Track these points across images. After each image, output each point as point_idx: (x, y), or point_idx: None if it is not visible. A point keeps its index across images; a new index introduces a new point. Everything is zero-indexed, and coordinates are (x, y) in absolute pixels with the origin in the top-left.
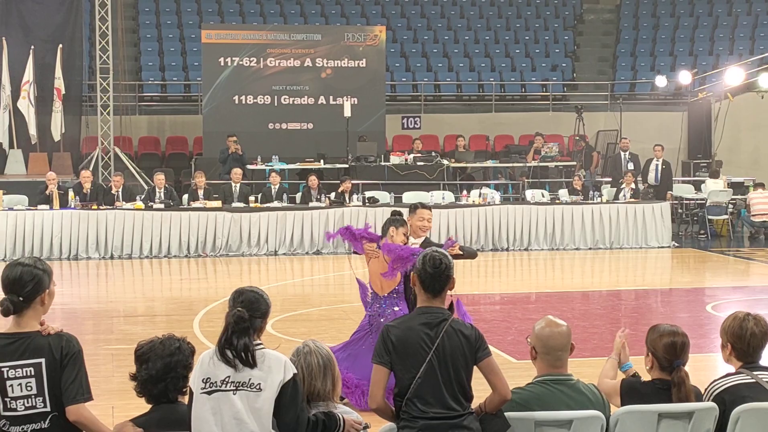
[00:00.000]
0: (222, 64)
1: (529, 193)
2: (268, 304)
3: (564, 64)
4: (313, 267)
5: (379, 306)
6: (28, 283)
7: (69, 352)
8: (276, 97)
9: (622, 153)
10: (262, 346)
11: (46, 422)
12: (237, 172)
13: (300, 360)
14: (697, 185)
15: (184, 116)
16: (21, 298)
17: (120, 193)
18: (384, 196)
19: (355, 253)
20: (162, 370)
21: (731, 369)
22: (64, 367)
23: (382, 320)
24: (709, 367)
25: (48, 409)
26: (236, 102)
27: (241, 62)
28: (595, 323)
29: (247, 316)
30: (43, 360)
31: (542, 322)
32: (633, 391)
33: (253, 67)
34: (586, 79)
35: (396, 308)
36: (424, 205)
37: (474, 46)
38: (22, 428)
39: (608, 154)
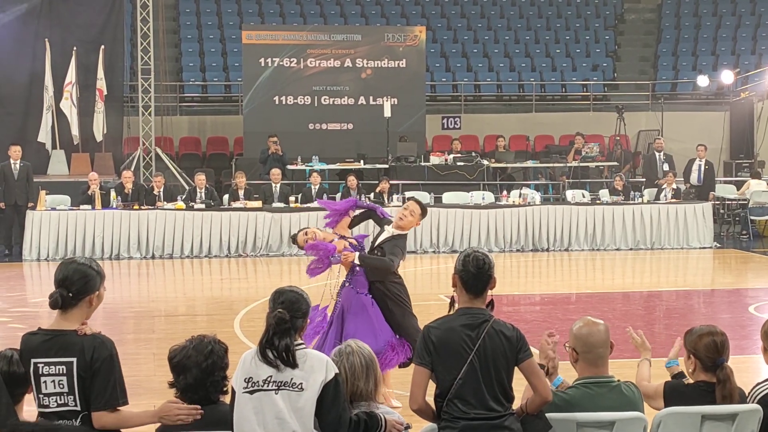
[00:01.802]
0: (262, 64)
1: (570, 194)
2: (308, 303)
3: (605, 64)
4: None
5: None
6: (80, 281)
7: (100, 356)
8: (316, 97)
9: (657, 153)
10: (303, 346)
11: (77, 420)
12: (276, 172)
13: (342, 360)
14: (739, 185)
15: (224, 117)
16: (70, 294)
17: (161, 194)
18: (424, 197)
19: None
20: (200, 377)
21: None
22: (95, 371)
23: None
24: (751, 369)
25: (79, 408)
26: (276, 102)
27: (281, 63)
28: (636, 324)
29: (288, 317)
30: (74, 360)
31: (579, 322)
32: (677, 393)
33: (294, 67)
34: (627, 78)
35: (347, 284)
36: (415, 199)
37: (514, 46)
38: (53, 424)
39: (646, 154)
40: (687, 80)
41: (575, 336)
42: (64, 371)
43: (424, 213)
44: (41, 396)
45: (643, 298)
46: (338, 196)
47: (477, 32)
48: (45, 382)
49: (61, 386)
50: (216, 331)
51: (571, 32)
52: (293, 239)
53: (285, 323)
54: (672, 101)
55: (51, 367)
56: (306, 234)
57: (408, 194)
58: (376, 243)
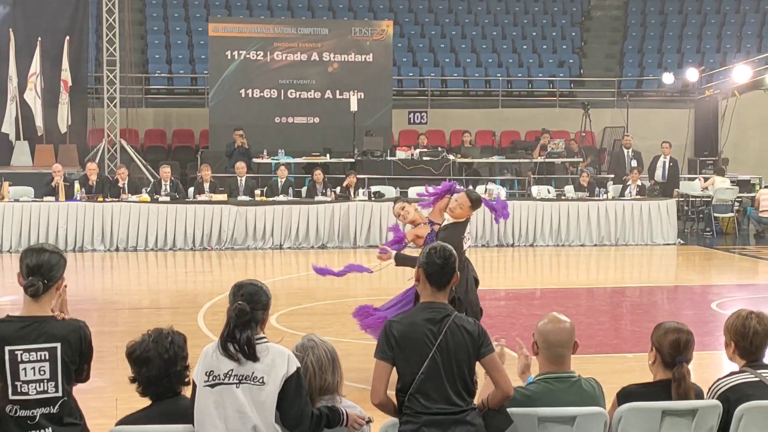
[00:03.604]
0: (229, 57)
1: (535, 189)
2: (268, 295)
3: (571, 61)
4: (318, 261)
5: None
6: (54, 268)
7: (86, 339)
8: (282, 90)
9: (625, 150)
10: (265, 340)
11: (56, 407)
12: (241, 165)
13: (308, 354)
14: (705, 181)
15: (190, 109)
16: (46, 281)
17: (126, 186)
18: (390, 191)
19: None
20: (162, 369)
21: (736, 367)
22: (83, 354)
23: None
24: (713, 364)
25: (59, 393)
26: (243, 95)
27: (248, 56)
28: (600, 320)
29: (248, 308)
30: (58, 345)
31: (546, 317)
32: (632, 396)
33: (260, 60)
34: (593, 75)
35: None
36: (400, 199)
37: (481, 42)
38: (32, 412)
39: (615, 151)
40: (652, 77)
41: (539, 331)
42: (47, 357)
43: (474, 204)
44: (19, 384)
45: (607, 294)
46: (304, 190)
47: (444, 27)
48: (24, 369)
49: (42, 373)
50: (180, 324)
51: (537, 28)
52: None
53: (245, 315)
54: (637, 98)
55: (32, 353)
56: (403, 209)
57: (374, 189)
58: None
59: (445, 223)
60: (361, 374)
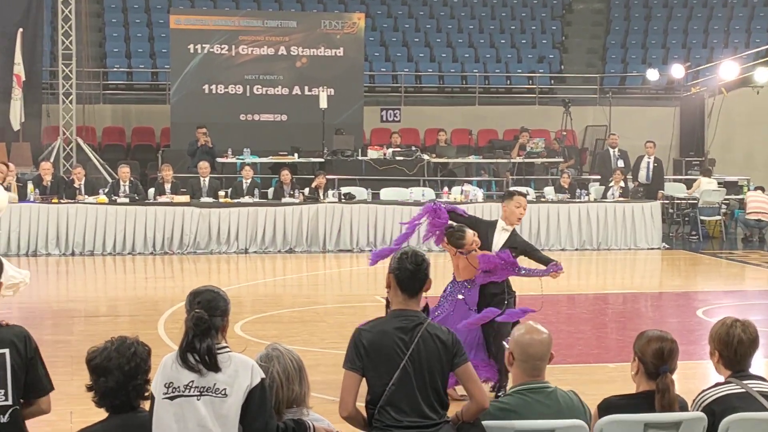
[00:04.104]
0: (191, 51)
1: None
2: (226, 301)
3: (551, 56)
4: (285, 266)
5: (450, 289)
6: None
7: (32, 344)
8: (248, 86)
9: (611, 150)
10: (228, 350)
11: (6, 416)
12: (204, 165)
13: (274, 364)
14: (689, 184)
15: (150, 106)
16: None
17: (82, 186)
18: (361, 192)
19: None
20: (121, 380)
21: (721, 378)
22: (31, 360)
23: (447, 302)
24: (699, 375)
25: (10, 402)
26: (206, 91)
27: (211, 49)
28: (581, 328)
29: (207, 316)
30: (7, 351)
31: (523, 327)
32: (612, 408)
33: (225, 54)
34: (575, 71)
35: (459, 296)
36: (520, 193)
37: (457, 36)
38: None
39: (597, 151)
40: (636, 74)
41: (515, 341)
42: None
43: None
44: None
45: (588, 301)
46: (270, 191)
47: (419, 20)
48: None
49: None
50: (139, 332)
51: (516, 22)
52: (457, 233)
53: (204, 323)
54: (620, 95)
55: None
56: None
57: (344, 190)
58: (501, 245)
59: (507, 234)
60: (329, 386)
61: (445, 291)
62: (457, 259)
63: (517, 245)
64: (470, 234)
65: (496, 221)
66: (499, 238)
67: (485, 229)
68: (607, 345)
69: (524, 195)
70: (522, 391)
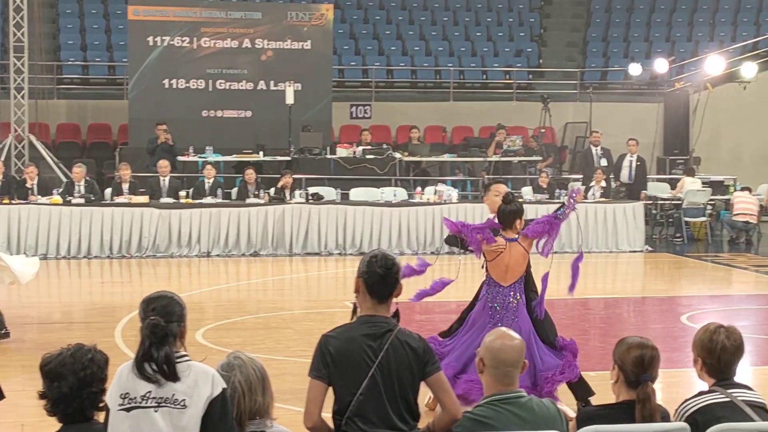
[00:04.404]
0: (150, 43)
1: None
2: (182, 306)
3: (529, 50)
4: (250, 270)
5: (497, 293)
6: None
7: None
8: (211, 81)
9: (593, 148)
10: (187, 358)
11: None
12: (164, 164)
13: (236, 373)
14: (673, 184)
15: (107, 101)
16: None
17: (35, 186)
18: (329, 192)
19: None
20: (76, 387)
21: (705, 386)
22: None
23: (496, 306)
24: (682, 383)
25: None
26: (166, 86)
27: (171, 42)
28: (560, 334)
29: (163, 323)
30: None
31: (494, 333)
32: (592, 419)
33: (186, 47)
34: (554, 66)
35: (517, 297)
36: (496, 181)
37: (431, 28)
38: None
39: (577, 149)
40: (618, 68)
41: (487, 348)
42: None
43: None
44: None
45: (568, 307)
46: (234, 191)
47: (390, 12)
48: None
49: None
50: (95, 340)
51: (493, 14)
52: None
53: (161, 330)
54: (601, 91)
55: None
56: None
57: (312, 190)
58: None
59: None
60: (295, 395)
61: (479, 307)
62: (504, 256)
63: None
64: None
65: (489, 221)
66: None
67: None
68: (587, 352)
69: (501, 182)
70: (495, 402)
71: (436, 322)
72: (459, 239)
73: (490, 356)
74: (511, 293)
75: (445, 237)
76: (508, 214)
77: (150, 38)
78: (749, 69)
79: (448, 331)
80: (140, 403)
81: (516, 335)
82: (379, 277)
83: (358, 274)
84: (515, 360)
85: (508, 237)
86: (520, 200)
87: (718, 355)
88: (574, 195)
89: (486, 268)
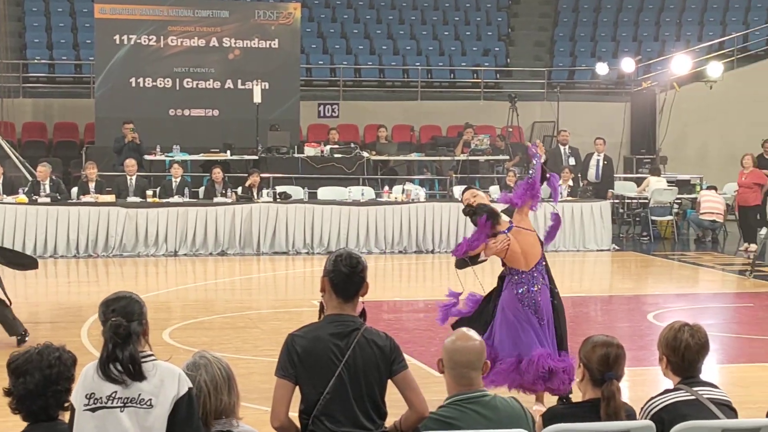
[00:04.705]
0: (117, 42)
1: (457, 190)
2: (141, 303)
3: (497, 49)
4: (217, 269)
5: (527, 279)
6: None
7: None
8: (178, 80)
9: (562, 147)
10: (153, 358)
11: None
12: (131, 163)
13: (201, 373)
14: (640, 182)
15: (74, 100)
16: None
17: (0, 185)
18: (297, 191)
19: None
20: (41, 384)
21: (670, 384)
22: None
23: (534, 289)
24: (649, 381)
25: None
26: (133, 85)
27: (138, 40)
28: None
29: (125, 323)
30: None
31: (454, 334)
32: (557, 417)
33: (153, 46)
34: (521, 65)
35: (538, 284)
36: (466, 188)
37: (398, 27)
38: None
39: (550, 148)
40: (585, 68)
41: (445, 349)
42: None
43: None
44: None
45: None
46: (201, 190)
47: (358, 11)
48: None
49: None
50: (61, 340)
51: (460, 13)
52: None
53: (124, 329)
54: (569, 90)
55: None
56: (474, 196)
57: (280, 189)
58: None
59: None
60: (262, 395)
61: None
62: (515, 243)
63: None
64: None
65: (481, 224)
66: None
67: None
68: None
69: (469, 188)
70: (458, 402)
71: (403, 321)
72: (467, 259)
73: (447, 357)
74: (535, 274)
75: (455, 264)
76: (486, 218)
77: (117, 37)
78: (715, 69)
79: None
80: (106, 403)
81: (475, 336)
82: (345, 276)
83: (324, 273)
84: (470, 361)
85: (504, 229)
86: (489, 199)
87: (682, 353)
88: (534, 148)
89: (505, 265)
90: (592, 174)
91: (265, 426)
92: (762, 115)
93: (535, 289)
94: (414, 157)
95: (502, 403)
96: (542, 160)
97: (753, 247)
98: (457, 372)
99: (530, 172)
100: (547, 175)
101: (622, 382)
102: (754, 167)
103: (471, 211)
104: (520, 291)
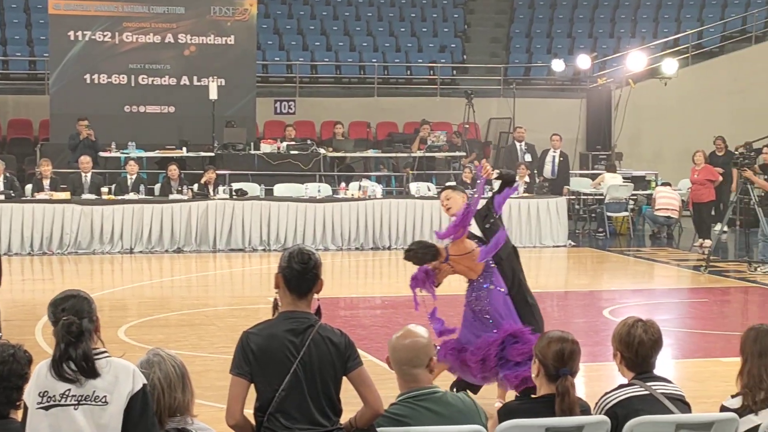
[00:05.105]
0: (72, 38)
1: (414, 187)
2: (90, 301)
3: (453, 45)
4: (173, 266)
5: (472, 291)
6: None
7: None
8: (133, 76)
9: (517, 143)
10: (106, 354)
11: None
12: (86, 160)
13: (155, 370)
14: (595, 179)
15: (28, 96)
16: None
17: None
18: (253, 188)
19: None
20: None
21: (625, 379)
22: None
23: (472, 298)
24: (604, 376)
25: None
26: (88, 81)
27: (93, 37)
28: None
29: (77, 320)
30: None
31: (400, 331)
32: (513, 413)
33: (108, 42)
34: (477, 61)
35: (485, 287)
36: (447, 187)
37: (355, 24)
38: None
39: (501, 144)
40: (541, 64)
41: (389, 345)
42: None
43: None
44: None
45: None
46: (157, 187)
47: (314, 7)
48: None
49: None
50: (15, 338)
51: (417, 9)
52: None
53: (76, 327)
54: (525, 87)
55: None
56: (448, 199)
57: (236, 186)
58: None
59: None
60: (218, 392)
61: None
62: (457, 261)
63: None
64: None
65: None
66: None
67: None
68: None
69: (450, 188)
70: (409, 399)
71: (360, 317)
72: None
73: (390, 354)
74: (481, 281)
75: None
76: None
77: (71, 33)
78: (670, 65)
79: None
80: (59, 401)
81: (421, 332)
82: (297, 273)
83: (278, 269)
84: (410, 359)
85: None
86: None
87: (636, 349)
88: (479, 172)
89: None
90: (548, 170)
91: (220, 423)
92: (716, 112)
93: (482, 293)
94: (371, 153)
95: (453, 399)
96: (494, 176)
97: (708, 242)
98: (400, 369)
99: (472, 192)
100: (505, 189)
101: (578, 377)
102: (705, 164)
103: (409, 258)
104: (470, 299)
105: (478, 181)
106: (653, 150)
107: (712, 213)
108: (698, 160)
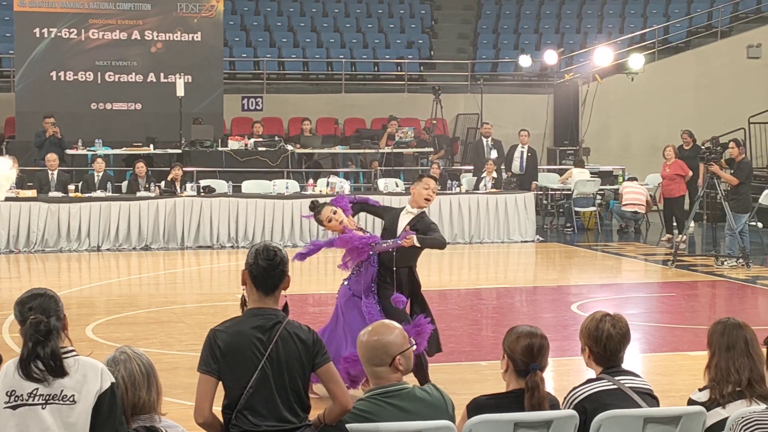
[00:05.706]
0: (37, 35)
1: (382, 183)
2: (56, 299)
3: (420, 41)
4: (141, 264)
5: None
6: None
7: None
8: (99, 73)
9: (485, 139)
10: (74, 353)
11: None
12: (53, 157)
13: (120, 369)
14: (563, 174)
15: None
16: None
17: None
18: (221, 185)
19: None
20: None
21: (593, 374)
22: None
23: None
24: (573, 371)
25: None
26: (54, 78)
27: (59, 33)
28: (452, 325)
29: (45, 319)
30: None
31: (370, 326)
32: (481, 408)
33: (74, 39)
34: (445, 57)
35: (345, 282)
36: (430, 175)
37: (322, 20)
38: None
39: (468, 140)
40: (508, 60)
41: (358, 342)
42: None
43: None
44: None
45: (460, 297)
46: (124, 185)
47: (281, 4)
48: None
49: None
50: None
51: (384, 6)
52: (316, 209)
53: (44, 326)
54: (492, 83)
55: None
56: (334, 213)
57: (203, 183)
58: (404, 227)
59: (412, 216)
60: (187, 390)
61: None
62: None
63: (418, 227)
64: (327, 210)
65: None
66: (403, 221)
67: (391, 216)
68: (479, 342)
69: (434, 178)
70: (376, 396)
71: (328, 314)
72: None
73: (358, 352)
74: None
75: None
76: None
77: (37, 30)
78: (637, 60)
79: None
80: (27, 400)
81: (383, 331)
82: (263, 269)
83: (245, 266)
84: (369, 357)
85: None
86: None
87: (604, 343)
88: (402, 236)
89: None
90: (516, 166)
91: (189, 421)
92: (682, 106)
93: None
94: (338, 149)
95: (421, 394)
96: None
97: (680, 237)
98: (365, 366)
99: (380, 242)
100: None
101: (546, 372)
102: (675, 158)
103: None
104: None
105: (393, 241)
106: (620, 145)
107: (686, 208)
108: (669, 155)
